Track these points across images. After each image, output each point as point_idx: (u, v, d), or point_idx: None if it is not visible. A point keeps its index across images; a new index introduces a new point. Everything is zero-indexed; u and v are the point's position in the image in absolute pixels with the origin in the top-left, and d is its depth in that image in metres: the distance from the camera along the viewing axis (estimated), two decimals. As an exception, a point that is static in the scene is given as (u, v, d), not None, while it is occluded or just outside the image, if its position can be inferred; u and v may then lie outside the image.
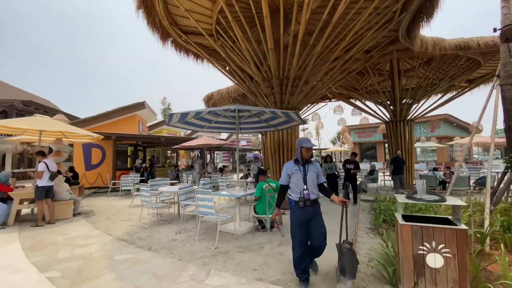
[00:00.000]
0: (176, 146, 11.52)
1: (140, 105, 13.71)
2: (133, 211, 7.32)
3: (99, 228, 5.62)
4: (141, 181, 12.15)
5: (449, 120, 23.76)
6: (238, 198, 4.96)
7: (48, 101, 26.58)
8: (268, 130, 6.58)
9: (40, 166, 5.87)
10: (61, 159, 8.35)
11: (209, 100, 13.30)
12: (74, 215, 6.71)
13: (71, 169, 11.25)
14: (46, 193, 5.94)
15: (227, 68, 8.52)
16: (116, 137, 11.65)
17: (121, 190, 10.12)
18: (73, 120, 14.05)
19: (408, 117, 10.61)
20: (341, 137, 43.42)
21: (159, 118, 23.00)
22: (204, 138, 11.26)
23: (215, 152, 27.19)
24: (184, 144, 11.02)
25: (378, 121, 17.83)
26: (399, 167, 9.16)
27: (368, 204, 7.40)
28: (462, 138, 18.86)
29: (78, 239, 4.80)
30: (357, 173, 7.43)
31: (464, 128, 24.64)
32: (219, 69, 8.38)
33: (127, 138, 12.38)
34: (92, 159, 13.37)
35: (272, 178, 7.25)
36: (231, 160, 32.08)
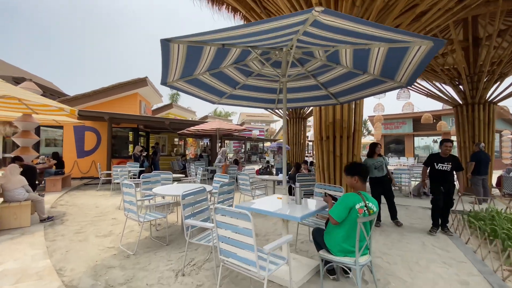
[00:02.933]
0: (183, 131, 9.33)
1: (141, 82, 11.51)
2: (121, 216, 5.22)
3: (54, 251, 3.49)
4: (141, 172, 10.10)
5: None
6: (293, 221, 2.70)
7: (50, 82, 24.71)
8: (319, 103, 4.23)
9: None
10: (30, 142, 6.27)
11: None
12: (42, 220, 4.65)
13: (55, 155, 9.24)
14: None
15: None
16: (109, 117, 9.52)
17: (114, 183, 8.05)
18: (61, 97, 11.99)
19: (489, 98, 7.94)
20: (369, 126, 39.98)
21: (166, 101, 20.84)
22: (217, 122, 9.05)
23: (225, 141, 25.02)
24: (192, 128, 8.83)
25: (408, 111, 15.04)
26: (483, 166, 6.70)
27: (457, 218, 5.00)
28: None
29: None
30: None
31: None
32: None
33: (124, 119, 10.24)
34: (85, 144, 11.38)
35: (319, 179, 4.95)
36: (243, 150, 29.90)
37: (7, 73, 15.97)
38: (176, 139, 21.39)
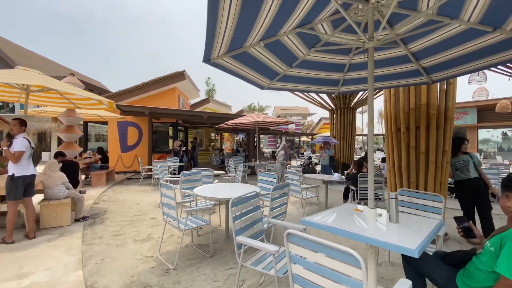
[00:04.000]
0: (221, 125, 8.84)
1: (179, 76, 11.31)
2: (161, 215, 4.83)
3: (89, 258, 3.11)
4: (180, 168, 9.91)
5: None
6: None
7: (92, 79, 26.40)
8: (401, 83, 3.23)
9: (18, 143, 3.55)
10: (75, 137, 6.24)
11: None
12: (77, 220, 4.43)
13: (100, 150, 9.45)
14: (25, 188, 3.66)
15: None
16: (149, 112, 9.42)
17: (154, 178, 7.88)
18: (103, 93, 12.33)
19: None
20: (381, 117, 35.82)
21: (202, 96, 20.85)
22: (255, 115, 8.37)
23: (260, 135, 24.36)
24: (230, 122, 8.28)
25: (480, 98, 12.80)
26: None
27: None
28: None
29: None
30: None
31: None
32: None
33: (163, 114, 10.11)
34: (128, 139, 11.60)
35: (393, 182, 3.94)
36: (277, 145, 29.01)
37: (51, 72, 17.13)
38: (213, 134, 21.41)
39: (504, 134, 23.80)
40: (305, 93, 11.07)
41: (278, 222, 2.73)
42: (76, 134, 6.23)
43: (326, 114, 38.82)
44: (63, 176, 4.37)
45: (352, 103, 9.85)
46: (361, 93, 9.81)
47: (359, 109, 11.34)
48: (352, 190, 4.98)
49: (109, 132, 11.59)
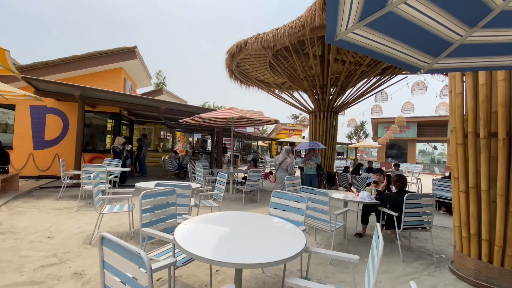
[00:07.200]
0: (187, 119, 6.76)
1: (129, 53, 8.70)
2: (94, 260, 2.71)
3: None
4: (123, 174, 7.46)
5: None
6: None
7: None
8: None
9: None
10: None
11: (233, 57, 8.45)
12: None
13: (-6, 144, 6.35)
14: None
15: None
16: (82, 94, 6.75)
17: (82, 188, 5.36)
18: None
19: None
20: (367, 129, 37.97)
21: (152, 87, 17.81)
22: (235, 109, 6.59)
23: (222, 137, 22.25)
24: (203, 115, 6.30)
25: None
26: None
27: None
28: None
29: None
30: None
31: None
32: None
33: (103, 100, 7.49)
34: (46, 131, 8.44)
35: (462, 209, 2.75)
36: (234, 148, 27.27)
37: None
38: (163, 132, 18.50)
39: (434, 148, 27.12)
40: (286, 92, 9.79)
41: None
42: None
43: (285, 118, 38.72)
44: None
45: (334, 105, 8.94)
46: (347, 94, 9.00)
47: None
48: (378, 212, 3.74)
49: (16, 120, 8.24)
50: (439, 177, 7.35)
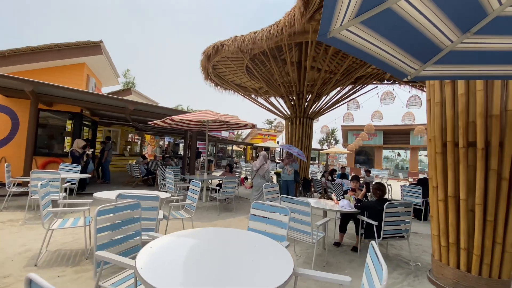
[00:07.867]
0: (157, 122, 6.28)
1: (93, 47, 7.94)
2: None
3: None
4: (81, 182, 6.74)
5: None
6: None
7: None
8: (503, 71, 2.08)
9: None
10: None
11: (209, 58, 8.15)
12: None
13: None
14: None
15: None
16: (35, 90, 5.96)
17: (30, 197, 4.64)
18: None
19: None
20: (337, 135, 39.16)
21: (119, 87, 16.71)
22: (209, 112, 6.28)
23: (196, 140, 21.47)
24: (175, 118, 5.88)
25: (408, 122, 14.74)
26: None
27: None
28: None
29: None
30: None
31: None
32: None
33: (61, 97, 6.72)
34: (-10, 131, 7.35)
35: (440, 218, 2.76)
36: (208, 153, 26.56)
37: None
38: (130, 135, 17.36)
39: (398, 154, 28.89)
40: (263, 97, 9.67)
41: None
42: None
43: (260, 123, 38.76)
44: None
45: (310, 112, 9.01)
46: (322, 101, 9.12)
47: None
48: (357, 221, 3.67)
49: (-50, 117, 7.07)
50: (404, 183, 7.67)
